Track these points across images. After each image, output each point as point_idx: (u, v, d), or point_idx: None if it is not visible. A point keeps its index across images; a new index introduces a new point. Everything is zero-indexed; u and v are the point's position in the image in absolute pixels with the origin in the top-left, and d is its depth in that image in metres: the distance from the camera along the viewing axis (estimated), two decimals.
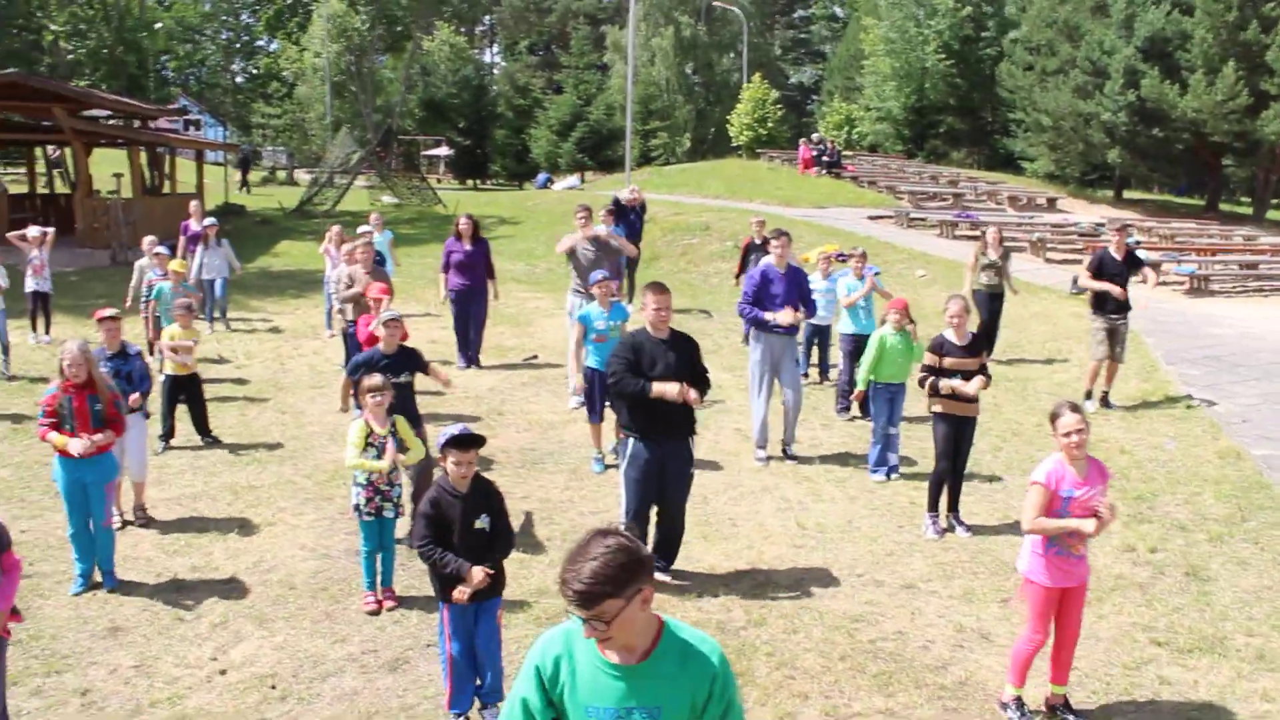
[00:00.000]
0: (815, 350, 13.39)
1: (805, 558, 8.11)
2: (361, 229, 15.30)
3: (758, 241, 15.82)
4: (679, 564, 7.83)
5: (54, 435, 7.26)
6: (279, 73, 55.73)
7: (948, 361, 8.43)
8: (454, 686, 5.58)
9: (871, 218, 28.52)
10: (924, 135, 47.25)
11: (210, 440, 10.78)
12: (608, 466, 9.96)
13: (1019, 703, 5.88)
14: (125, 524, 8.57)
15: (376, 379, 7.14)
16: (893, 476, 9.85)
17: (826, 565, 7.96)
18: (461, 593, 5.47)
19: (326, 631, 6.86)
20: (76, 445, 7.18)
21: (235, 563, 7.92)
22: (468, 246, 13.80)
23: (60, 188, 33.91)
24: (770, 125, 45.31)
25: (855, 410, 11.78)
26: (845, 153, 40.48)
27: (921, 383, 8.61)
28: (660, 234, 24.78)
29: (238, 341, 15.84)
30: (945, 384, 8.37)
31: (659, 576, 7.49)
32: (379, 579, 7.22)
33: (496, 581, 5.61)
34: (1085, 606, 5.95)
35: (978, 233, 25.98)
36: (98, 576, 7.51)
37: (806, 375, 13.35)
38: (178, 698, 6.05)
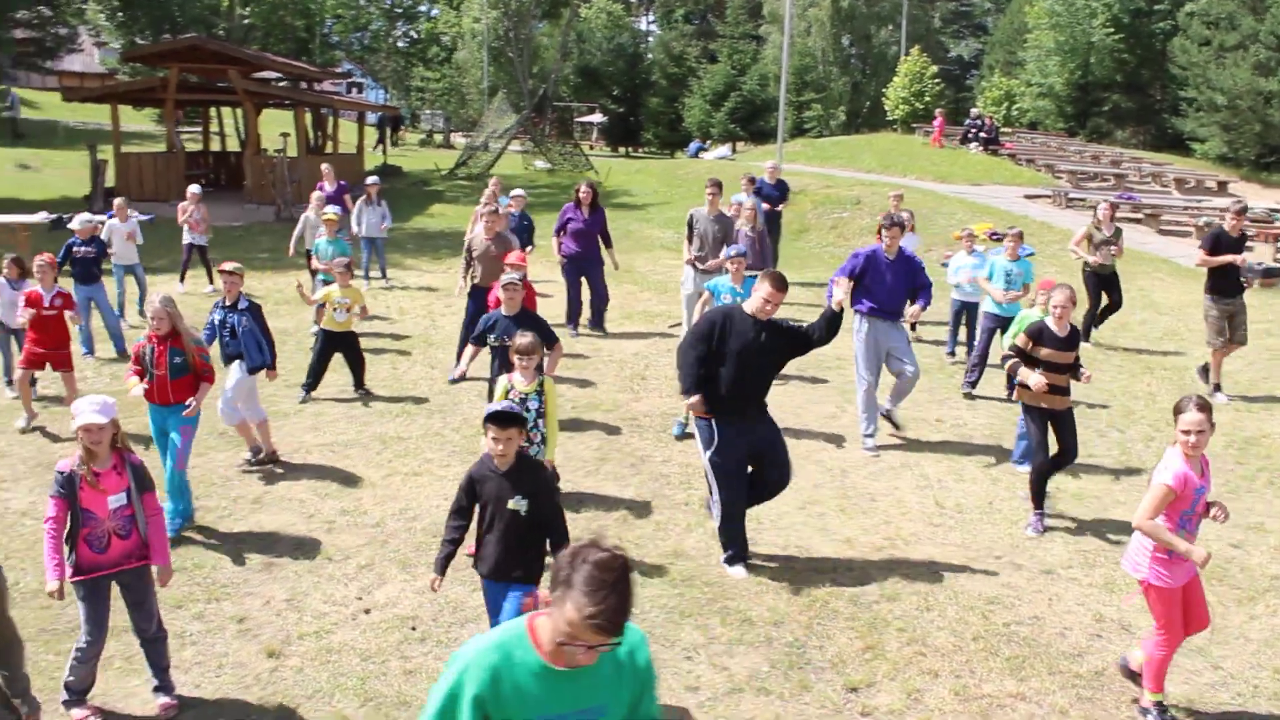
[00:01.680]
0: (963, 328, 13.05)
1: (943, 536, 8.02)
2: (514, 192, 15.55)
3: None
4: (812, 537, 7.87)
5: (131, 380, 7.72)
6: (438, 37, 56.86)
7: (1044, 352, 8.01)
8: None
9: (1028, 196, 27.70)
10: (1087, 113, 45.57)
11: (363, 393, 11.19)
12: (686, 435, 9.93)
13: (1160, 708, 5.66)
14: (260, 463, 9.06)
15: (527, 340, 7.15)
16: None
17: (964, 545, 7.86)
18: (433, 581, 5.41)
19: (466, 580, 7.07)
20: (134, 389, 7.65)
21: (382, 509, 8.24)
22: (585, 214, 13.90)
23: (232, 146, 35.32)
24: (927, 99, 44.32)
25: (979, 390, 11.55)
26: (1003, 129, 39.35)
27: (1004, 361, 8.37)
28: (811, 207, 24.58)
29: (391, 298, 16.35)
30: (1024, 373, 7.98)
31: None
32: None
33: (531, 568, 5.35)
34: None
35: (1139, 215, 25.10)
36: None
37: (954, 354, 13.13)
38: (324, 631, 6.35)
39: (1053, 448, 8.17)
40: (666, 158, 48.77)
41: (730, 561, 7.35)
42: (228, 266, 9.21)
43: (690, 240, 12.55)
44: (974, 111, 39.12)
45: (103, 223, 13.87)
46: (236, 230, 22.58)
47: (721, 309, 7.36)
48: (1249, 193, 31.78)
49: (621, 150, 54.89)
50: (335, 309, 10.86)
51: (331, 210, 13.61)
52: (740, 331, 7.08)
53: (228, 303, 9.06)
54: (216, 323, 8.97)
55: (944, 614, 6.77)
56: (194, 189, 16.47)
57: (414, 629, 6.41)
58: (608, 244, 14.21)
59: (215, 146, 35.15)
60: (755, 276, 9.74)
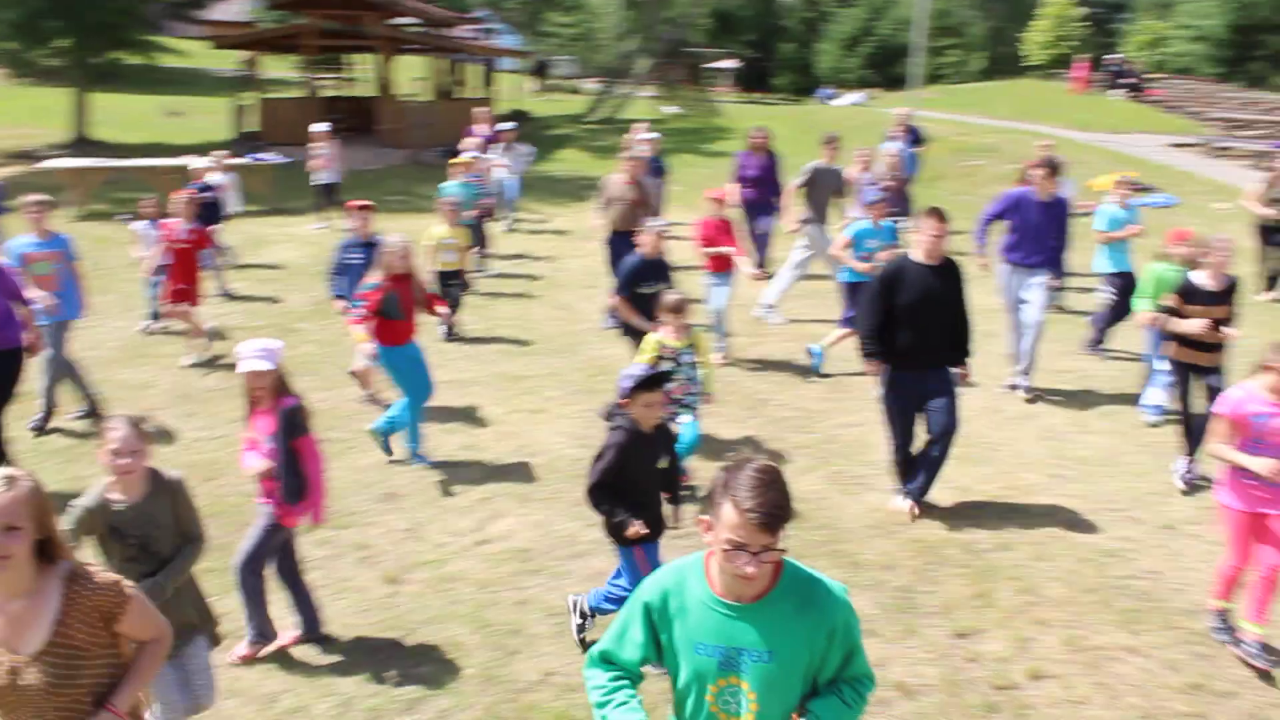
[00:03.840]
0: None
1: (1062, 488, 7.86)
2: (649, 135, 15.61)
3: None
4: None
5: (359, 328, 7.77)
6: None
7: (1195, 309, 7.70)
8: None
9: (1175, 145, 26.55)
10: (1243, 57, 43.39)
11: (452, 335, 11.28)
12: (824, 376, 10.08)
13: (1220, 615, 5.85)
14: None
15: (674, 298, 7.20)
16: (1162, 417, 9.28)
17: (1084, 497, 7.70)
18: (636, 531, 5.13)
19: (581, 515, 7.23)
20: (365, 346, 7.76)
21: (501, 445, 8.45)
22: (759, 160, 13.88)
23: (367, 91, 36.03)
24: (1072, 44, 42.74)
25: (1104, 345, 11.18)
26: (1151, 75, 37.71)
27: (1155, 323, 8.29)
28: (946, 154, 24.02)
29: (518, 241, 16.59)
30: (1184, 324, 7.70)
31: (910, 504, 7.42)
32: None
33: (659, 524, 5.43)
34: None
35: None
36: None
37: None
38: (441, 561, 6.58)
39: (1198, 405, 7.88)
40: (795, 104, 48.02)
41: (898, 494, 7.49)
42: (360, 202, 9.43)
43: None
44: (1119, 56, 37.60)
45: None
46: (370, 173, 23.10)
47: (892, 263, 7.31)
48: None
49: (751, 96, 54.26)
50: (443, 249, 11.04)
51: (465, 154, 13.85)
52: (913, 282, 7.05)
53: (361, 239, 9.22)
54: (356, 259, 9.06)
55: (1058, 565, 6.67)
56: (320, 127, 16.86)
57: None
58: (777, 194, 13.84)
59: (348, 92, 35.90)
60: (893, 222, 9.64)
